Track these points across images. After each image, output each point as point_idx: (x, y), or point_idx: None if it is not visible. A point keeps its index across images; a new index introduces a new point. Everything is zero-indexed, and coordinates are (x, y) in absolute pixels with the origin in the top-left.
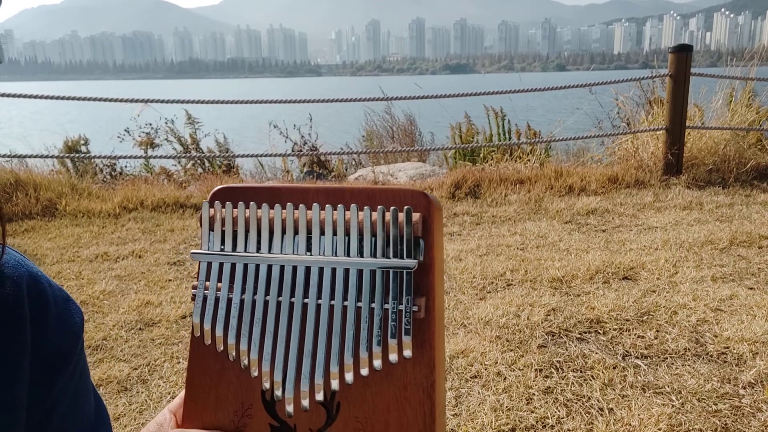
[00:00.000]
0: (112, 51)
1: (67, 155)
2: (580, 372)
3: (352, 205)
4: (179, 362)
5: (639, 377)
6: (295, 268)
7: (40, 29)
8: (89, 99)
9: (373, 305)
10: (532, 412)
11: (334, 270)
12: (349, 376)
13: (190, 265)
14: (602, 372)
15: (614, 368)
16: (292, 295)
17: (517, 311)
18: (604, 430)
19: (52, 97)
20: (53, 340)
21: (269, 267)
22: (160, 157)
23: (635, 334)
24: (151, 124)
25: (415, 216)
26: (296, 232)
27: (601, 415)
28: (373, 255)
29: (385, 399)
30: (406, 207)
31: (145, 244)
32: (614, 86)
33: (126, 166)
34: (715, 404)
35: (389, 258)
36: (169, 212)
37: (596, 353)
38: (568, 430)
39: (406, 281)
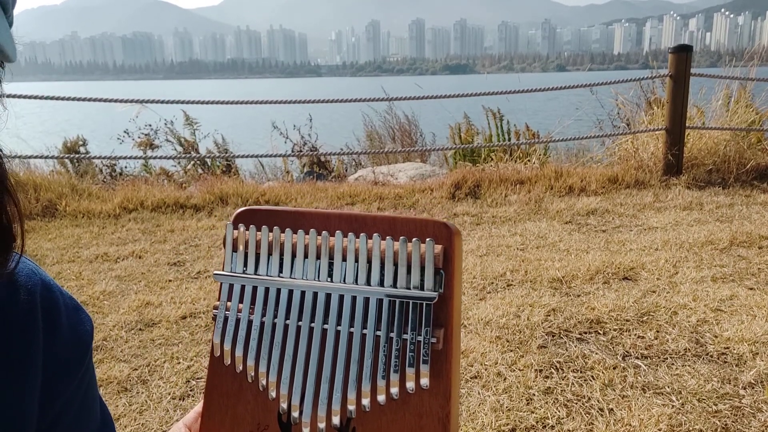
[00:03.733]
0: (112, 51)
1: (67, 156)
2: (581, 372)
3: (375, 234)
4: (179, 363)
5: (639, 377)
6: (315, 294)
7: (40, 30)
8: (89, 99)
9: (392, 335)
10: (532, 412)
11: (354, 298)
12: (365, 402)
13: (190, 266)
14: (602, 372)
15: (614, 368)
16: (312, 320)
17: (517, 311)
18: (605, 430)
19: (52, 98)
20: (64, 348)
21: (290, 291)
22: (160, 157)
23: (635, 335)
24: (150, 125)
25: (437, 248)
26: (318, 258)
27: (602, 415)
28: (394, 285)
29: (400, 427)
30: (428, 239)
31: (145, 244)
32: (614, 87)
33: (126, 167)
34: (716, 404)
35: (410, 289)
36: (169, 213)
37: (596, 353)
38: (569, 430)
39: (426, 312)
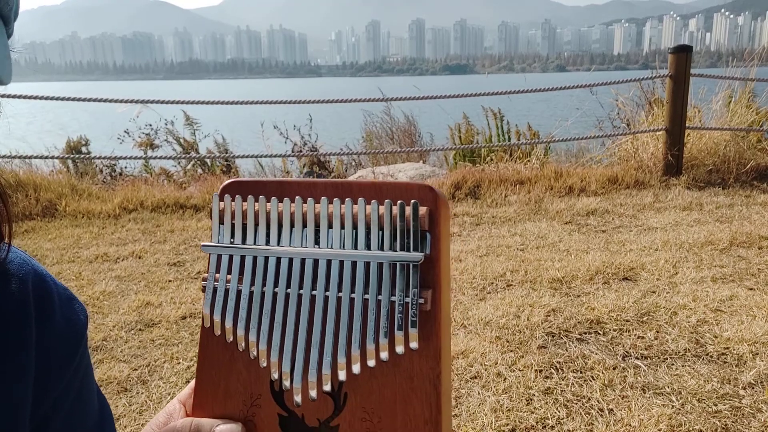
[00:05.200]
0: (112, 52)
1: (67, 156)
2: (580, 372)
3: (360, 198)
4: (179, 363)
5: (639, 378)
6: (303, 261)
7: (40, 30)
8: (89, 99)
9: (380, 297)
10: (532, 412)
11: (341, 263)
12: (356, 367)
13: (190, 266)
14: (602, 372)
15: (614, 369)
16: (301, 287)
17: (517, 312)
18: (604, 430)
19: (52, 98)
20: (57, 338)
21: (278, 260)
22: (160, 157)
23: (635, 335)
24: (151, 125)
25: (422, 210)
26: (304, 226)
27: (601, 415)
28: (380, 248)
29: (392, 390)
30: (413, 201)
31: (145, 244)
32: (614, 87)
33: (126, 167)
34: (715, 405)
35: (396, 251)
36: (169, 213)
37: (596, 354)
38: (568, 430)
39: (413, 274)
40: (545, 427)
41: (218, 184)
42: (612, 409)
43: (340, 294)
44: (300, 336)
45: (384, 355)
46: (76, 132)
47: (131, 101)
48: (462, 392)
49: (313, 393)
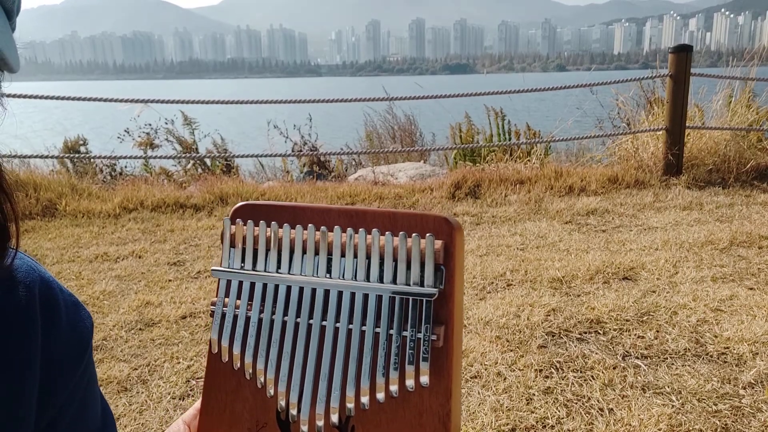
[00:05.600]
0: (112, 51)
1: (67, 155)
2: (580, 372)
3: (374, 229)
4: (179, 362)
5: (639, 377)
6: (314, 291)
7: (40, 29)
8: (89, 99)
9: (391, 332)
10: (532, 412)
11: (353, 294)
12: (365, 400)
13: (190, 265)
14: (602, 372)
15: (614, 368)
16: (311, 317)
17: (517, 311)
18: (604, 430)
19: (52, 97)
20: (63, 345)
21: (288, 288)
22: (160, 157)
23: (635, 335)
24: (150, 125)
25: (437, 243)
26: (317, 254)
27: (601, 415)
28: (394, 281)
29: (400, 425)
30: (428, 234)
31: (145, 244)
32: (614, 86)
33: (126, 167)
34: (715, 404)
35: (410, 285)
36: (169, 212)
37: (596, 353)
38: (568, 430)
39: (426, 309)
40: (545, 426)
41: (219, 184)
42: (612, 409)
43: (351, 326)
44: (309, 366)
45: (394, 389)
46: (76, 131)
47: (132, 101)
48: (462, 392)
49: (320, 424)
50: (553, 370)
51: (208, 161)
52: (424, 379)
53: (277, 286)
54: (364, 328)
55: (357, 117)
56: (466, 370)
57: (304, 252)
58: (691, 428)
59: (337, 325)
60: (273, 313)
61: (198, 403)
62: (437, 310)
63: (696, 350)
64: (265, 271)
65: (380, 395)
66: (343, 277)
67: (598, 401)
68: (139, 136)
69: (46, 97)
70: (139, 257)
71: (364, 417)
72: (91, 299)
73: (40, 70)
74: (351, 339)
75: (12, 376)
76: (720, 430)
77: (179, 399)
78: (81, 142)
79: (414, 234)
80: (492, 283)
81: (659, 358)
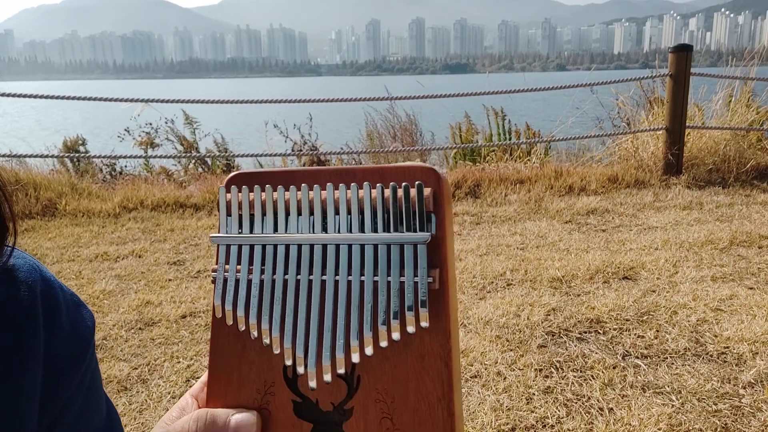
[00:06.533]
0: (112, 51)
1: (67, 155)
2: (580, 372)
3: (365, 183)
4: (179, 362)
5: (639, 377)
6: (311, 247)
7: (40, 29)
8: (89, 99)
9: (388, 278)
10: (532, 411)
11: (349, 247)
12: (368, 349)
13: (189, 265)
14: (602, 372)
15: (614, 368)
16: (310, 273)
17: (517, 311)
18: (604, 429)
19: (52, 97)
20: (65, 345)
21: (286, 247)
22: (160, 156)
23: (635, 334)
24: (151, 124)
25: (426, 191)
26: (311, 213)
27: (601, 414)
28: (387, 230)
29: (404, 370)
30: (417, 182)
31: (145, 243)
32: (614, 86)
33: (126, 166)
34: (715, 404)
35: (403, 233)
36: (169, 212)
37: (596, 353)
38: (568, 429)
39: (420, 254)
40: (545, 426)
41: (218, 184)
42: (612, 408)
43: (350, 278)
44: (312, 321)
45: (396, 335)
46: (76, 131)
47: (133, 100)
48: (462, 391)
49: (327, 377)
50: (553, 370)
51: (208, 161)
52: (424, 322)
53: (275, 247)
54: (362, 278)
55: (357, 117)
56: (466, 369)
57: (298, 212)
58: (691, 428)
59: (337, 278)
60: (273, 273)
61: (204, 376)
62: (431, 254)
63: (696, 350)
64: (262, 233)
65: (383, 342)
66: (339, 232)
67: (598, 401)
68: (140, 136)
69: (46, 97)
70: (139, 257)
71: (369, 365)
72: (91, 299)
73: (40, 70)
74: (351, 290)
75: (15, 375)
76: (720, 430)
77: (179, 398)
78: (81, 142)
79: (404, 183)
80: (492, 282)
81: (659, 357)
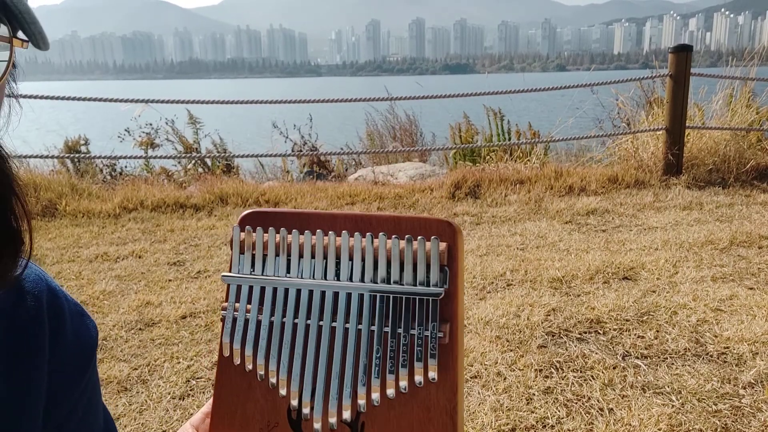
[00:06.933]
0: (112, 51)
1: (67, 155)
2: (580, 372)
3: (380, 233)
4: (179, 362)
5: (639, 377)
6: (323, 293)
7: None
8: (89, 99)
9: (399, 330)
10: (532, 412)
11: (361, 296)
12: (375, 397)
13: (190, 265)
14: (602, 372)
15: (614, 368)
16: (321, 318)
17: (517, 311)
18: (604, 430)
19: (52, 97)
20: (69, 354)
21: (298, 291)
22: (160, 157)
23: (635, 334)
24: (151, 124)
25: (442, 245)
26: (325, 258)
27: (601, 415)
28: (400, 282)
29: (409, 420)
30: (433, 237)
31: (145, 244)
32: (614, 86)
33: (126, 167)
34: (715, 404)
35: (416, 286)
36: (169, 212)
37: (596, 353)
38: (568, 430)
39: (433, 308)
40: (545, 426)
41: (219, 184)
42: (612, 409)
43: (360, 326)
44: (320, 366)
45: (403, 385)
46: (76, 131)
47: (133, 101)
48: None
49: (332, 421)
50: (553, 370)
51: (208, 161)
52: (432, 374)
53: (286, 290)
54: (373, 327)
55: (357, 117)
56: (466, 370)
57: (312, 256)
58: (691, 428)
59: (347, 325)
60: (284, 315)
61: (206, 407)
62: (442, 308)
63: (696, 350)
64: (274, 275)
65: (390, 391)
66: (352, 280)
67: (598, 401)
68: (140, 136)
69: (46, 97)
70: (139, 257)
71: (374, 413)
72: (91, 299)
73: (40, 70)
74: (360, 339)
75: (21, 385)
76: (720, 430)
77: (179, 399)
78: (81, 142)
79: (419, 237)
80: (492, 283)
81: (659, 358)
